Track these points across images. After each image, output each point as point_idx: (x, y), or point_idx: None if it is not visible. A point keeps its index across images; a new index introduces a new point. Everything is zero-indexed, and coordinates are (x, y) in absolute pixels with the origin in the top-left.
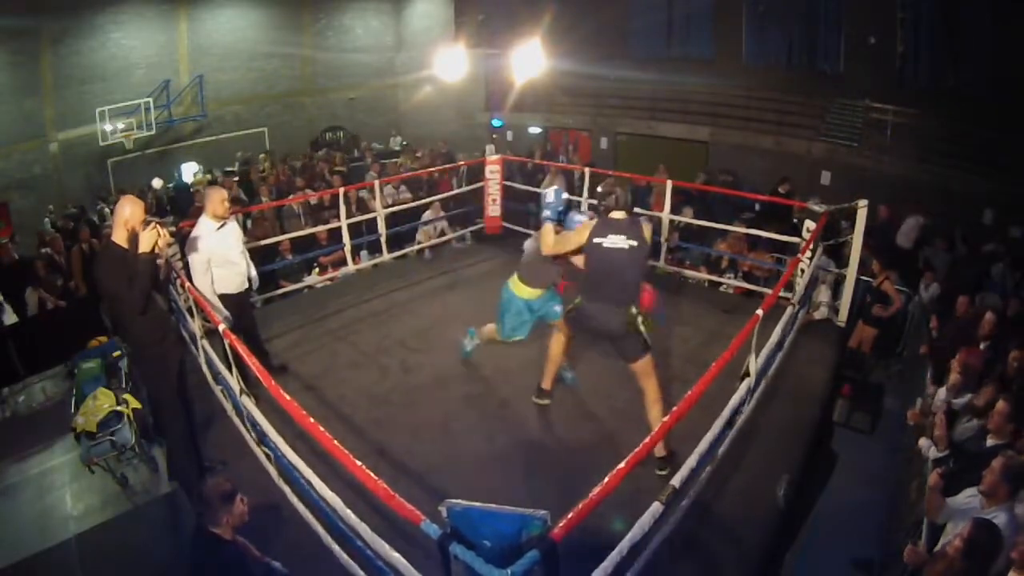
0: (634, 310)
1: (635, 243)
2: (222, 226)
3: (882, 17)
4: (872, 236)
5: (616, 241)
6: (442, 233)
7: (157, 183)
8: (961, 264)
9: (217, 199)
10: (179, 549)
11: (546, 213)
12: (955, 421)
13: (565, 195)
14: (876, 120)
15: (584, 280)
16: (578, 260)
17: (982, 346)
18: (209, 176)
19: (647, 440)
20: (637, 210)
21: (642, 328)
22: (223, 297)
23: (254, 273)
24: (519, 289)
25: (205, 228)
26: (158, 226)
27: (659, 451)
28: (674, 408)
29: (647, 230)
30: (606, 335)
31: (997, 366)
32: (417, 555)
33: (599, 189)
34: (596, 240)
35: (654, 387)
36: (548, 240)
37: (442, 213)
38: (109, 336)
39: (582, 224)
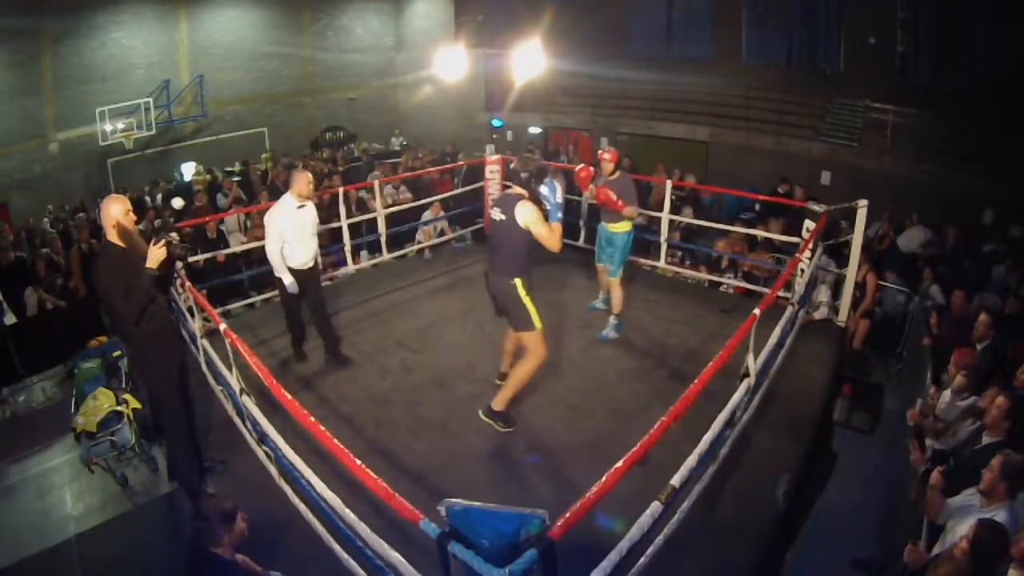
0: (518, 282)
1: (504, 217)
2: (302, 206)
3: (882, 17)
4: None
5: (496, 213)
6: (442, 233)
7: (177, 203)
8: (961, 264)
9: (303, 181)
10: (179, 549)
11: (559, 216)
12: (958, 424)
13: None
14: (876, 120)
15: None
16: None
17: (979, 347)
18: (209, 176)
19: (645, 439)
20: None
21: (527, 304)
22: (291, 270)
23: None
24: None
25: (286, 205)
26: (168, 245)
27: (497, 404)
28: (671, 408)
29: (525, 211)
30: (493, 297)
31: (997, 367)
32: (416, 554)
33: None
34: (490, 210)
35: (532, 360)
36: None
37: (442, 213)
38: (109, 336)
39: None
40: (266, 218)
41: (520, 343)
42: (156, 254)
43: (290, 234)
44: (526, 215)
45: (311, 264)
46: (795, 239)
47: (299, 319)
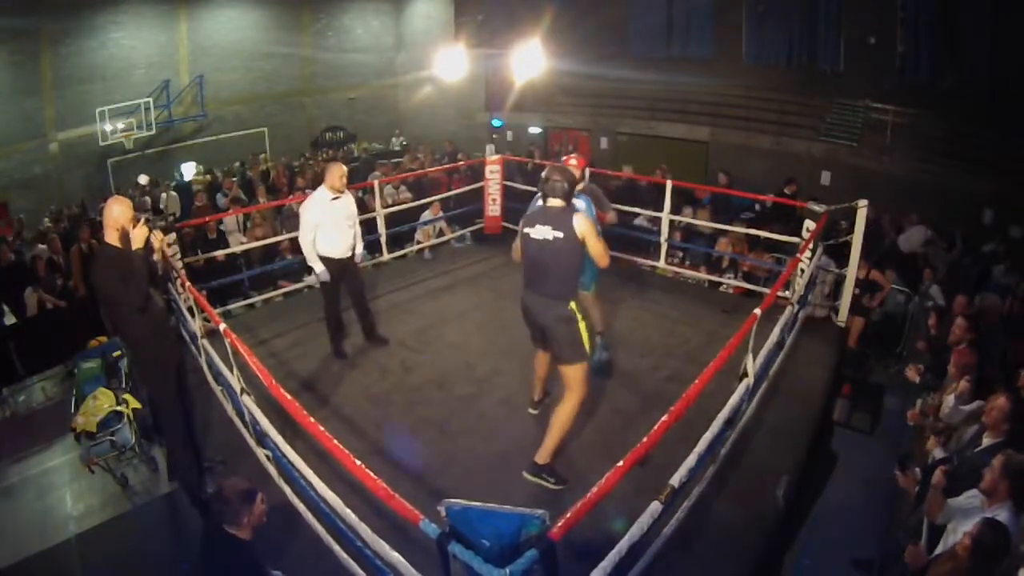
0: (574, 306)
1: (560, 234)
2: (336, 198)
3: (882, 17)
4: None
5: (542, 231)
6: (442, 233)
7: (143, 179)
8: (961, 264)
9: (337, 174)
10: (179, 549)
11: (599, 228)
12: (963, 428)
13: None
14: (876, 120)
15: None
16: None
17: (961, 347)
18: (210, 176)
19: (645, 439)
20: (637, 210)
21: (582, 330)
22: (327, 259)
23: (360, 248)
24: None
25: (320, 197)
26: (146, 222)
27: (542, 457)
28: (672, 408)
29: (582, 224)
30: (539, 328)
31: (985, 367)
32: (416, 555)
33: (543, 175)
34: (526, 229)
35: (576, 398)
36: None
37: (441, 213)
38: (109, 336)
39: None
40: (300, 209)
41: (562, 376)
42: (138, 233)
43: (325, 224)
44: (584, 228)
45: (348, 254)
46: (795, 239)
47: (338, 313)
